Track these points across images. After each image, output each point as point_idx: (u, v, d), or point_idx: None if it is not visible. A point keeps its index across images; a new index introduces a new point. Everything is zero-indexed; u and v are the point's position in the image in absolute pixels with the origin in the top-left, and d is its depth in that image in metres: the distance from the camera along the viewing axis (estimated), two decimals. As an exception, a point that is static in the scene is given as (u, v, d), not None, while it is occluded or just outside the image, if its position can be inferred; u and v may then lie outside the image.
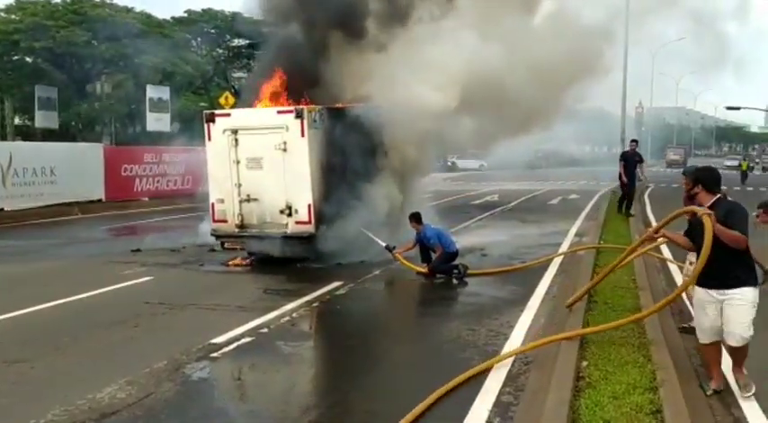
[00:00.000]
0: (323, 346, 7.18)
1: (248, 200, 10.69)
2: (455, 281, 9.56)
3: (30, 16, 26.54)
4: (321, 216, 10.40)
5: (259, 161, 10.56)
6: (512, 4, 13.76)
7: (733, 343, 4.89)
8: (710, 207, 4.91)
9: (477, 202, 22.77)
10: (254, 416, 5.01)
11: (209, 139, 10.89)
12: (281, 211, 10.49)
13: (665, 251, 10.72)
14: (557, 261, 10.73)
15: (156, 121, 28.02)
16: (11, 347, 6.46)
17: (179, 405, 5.09)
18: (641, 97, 63.23)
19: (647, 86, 64.74)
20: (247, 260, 10.88)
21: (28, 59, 29.70)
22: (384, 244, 10.26)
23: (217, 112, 11.43)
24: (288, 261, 10.58)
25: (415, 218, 10.12)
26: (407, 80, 11.30)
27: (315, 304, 8.22)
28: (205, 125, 10.90)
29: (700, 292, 5.03)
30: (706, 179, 5.09)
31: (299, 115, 10.19)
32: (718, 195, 5.05)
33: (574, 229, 14.81)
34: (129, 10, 29.40)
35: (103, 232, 15.73)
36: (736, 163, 57.53)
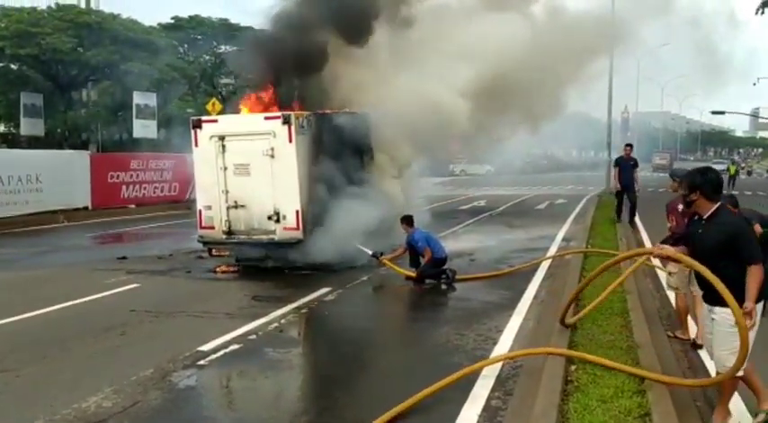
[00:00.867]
0: (311, 353, 7.15)
1: (236, 206, 10.64)
2: (443, 286, 9.57)
3: (15, 23, 26.30)
4: (309, 222, 10.38)
5: (246, 167, 10.52)
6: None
7: (717, 368, 4.50)
8: (710, 217, 4.42)
9: (465, 207, 22.83)
10: (242, 423, 4.98)
11: (197, 145, 10.84)
12: (269, 218, 10.46)
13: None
14: (545, 265, 10.77)
15: (143, 128, 27.87)
16: (-5, 357, 6.38)
17: (166, 413, 5.05)
18: (627, 102, 63.77)
19: (633, 91, 65.34)
20: (234, 267, 10.84)
21: (13, 66, 29.42)
22: (370, 252, 10.25)
23: (204, 118, 11.39)
24: (276, 267, 10.54)
25: (407, 220, 10.14)
26: (425, 85, 11.45)
27: (303, 310, 8.19)
28: (192, 131, 10.86)
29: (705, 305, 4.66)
30: (705, 185, 4.41)
31: (286, 121, 10.17)
32: (719, 203, 4.46)
33: (561, 234, 14.88)
34: (115, 17, 29.19)
35: (89, 240, 15.60)
36: (722, 167, 58.08)
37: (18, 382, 5.72)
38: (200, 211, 10.95)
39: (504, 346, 6.50)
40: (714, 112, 47.92)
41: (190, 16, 35.00)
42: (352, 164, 11.21)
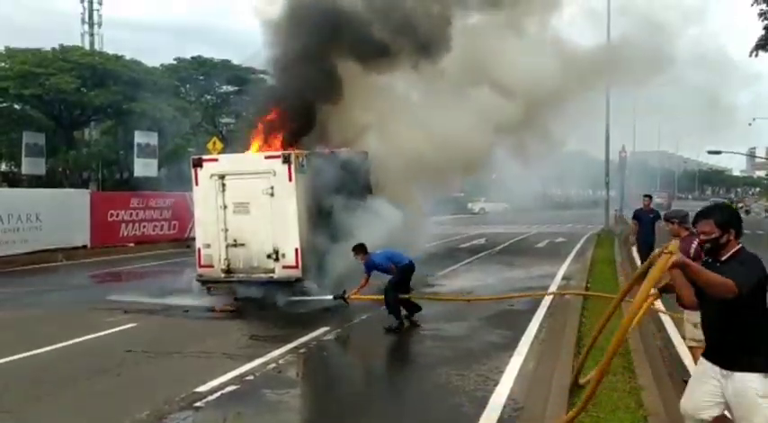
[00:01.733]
0: (310, 394, 7.04)
1: (235, 244, 10.65)
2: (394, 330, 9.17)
3: (19, 64, 26.71)
4: (309, 260, 10.36)
5: (246, 206, 10.56)
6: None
7: None
8: (728, 259, 3.68)
9: (465, 245, 22.79)
10: (238, 467, 4.88)
11: (197, 183, 10.91)
12: (269, 256, 10.45)
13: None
14: (545, 303, 10.69)
15: (144, 167, 28.07)
16: (-11, 398, 6.29)
17: (161, 457, 4.94)
18: (624, 141, 64.39)
19: (630, 131, 65.99)
20: (232, 305, 10.76)
21: (16, 106, 29.78)
22: (331, 296, 10.14)
23: (204, 157, 11.49)
24: (274, 305, 10.47)
25: (360, 249, 9.67)
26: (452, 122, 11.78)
27: (302, 350, 8.10)
28: (192, 170, 10.93)
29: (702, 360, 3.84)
30: (736, 222, 3.73)
31: (286, 160, 10.25)
32: (740, 244, 3.76)
33: (561, 273, 14.82)
34: (118, 58, 29.66)
35: (87, 279, 15.53)
36: (720, 206, 58.13)
37: (11, 423, 5.63)
38: (199, 250, 10.93)
39: (504, 387, 6.41)
40: (710, 152, 48.26)
41: (192, 57, 35.57)
42: (351, 203, 11.25)
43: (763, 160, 73.91)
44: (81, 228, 19.95)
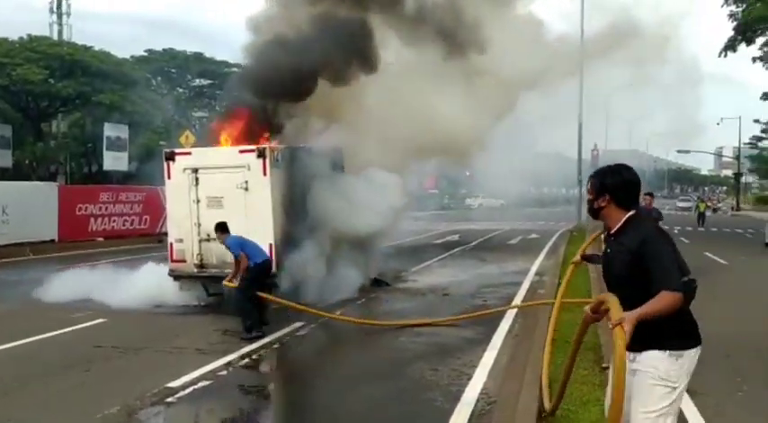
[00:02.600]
0: (283, 389, 7.00)
1: (208, 239, 10.51)
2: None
3: (-15, 54, 26.13)
4: (282, 255, 10.28)
5: (219, 200, 10.43)
6: None
7: None
8: (618, 230, 3.26)
9: (439, 241, 22.88)
10: (211, 463, 4.83)
11: (169, 177, 10.74)
12: (242, 251, 10.32)
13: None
14: (519, 300, 10.77)
15: (114, 160, 27.63)
16: (-47, 394, 6.14)
17: (132, 453, 4.87)
18: (596, 140, 65.22)
19: (602, 129, 66.89)
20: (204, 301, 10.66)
21: (-18, 97, 29.14)
22: (210, 290, 10.43)
23: (177, 150, 11.31)
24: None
25: (220, 228, 9.02)
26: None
27: (275, 345, 8.06)
28: (165, 163, 10.76)
29: None
30: (617, 189, 3.25)
31: (261, 154, 10.14)
32: (632, 212, 3.26)
33: (534, 268, 14.96)
34: (87, 49, 29.09)
35: (54, 274, 15.20)
36: (688, 204, 59.23)
37: (-24, 420, 5.50)
38: (171, 244, 10.79)
39: (478, 381, 6.44)
40: (680, 151, 49.26)
41: (163, 49, 35.11)
42: (325, 195, 11.18)
43: (730, 159, 75.54)
44: (49, 222, 19.58)
